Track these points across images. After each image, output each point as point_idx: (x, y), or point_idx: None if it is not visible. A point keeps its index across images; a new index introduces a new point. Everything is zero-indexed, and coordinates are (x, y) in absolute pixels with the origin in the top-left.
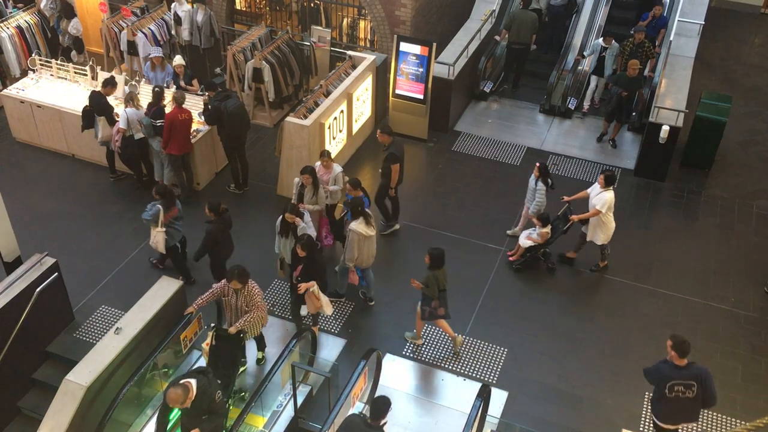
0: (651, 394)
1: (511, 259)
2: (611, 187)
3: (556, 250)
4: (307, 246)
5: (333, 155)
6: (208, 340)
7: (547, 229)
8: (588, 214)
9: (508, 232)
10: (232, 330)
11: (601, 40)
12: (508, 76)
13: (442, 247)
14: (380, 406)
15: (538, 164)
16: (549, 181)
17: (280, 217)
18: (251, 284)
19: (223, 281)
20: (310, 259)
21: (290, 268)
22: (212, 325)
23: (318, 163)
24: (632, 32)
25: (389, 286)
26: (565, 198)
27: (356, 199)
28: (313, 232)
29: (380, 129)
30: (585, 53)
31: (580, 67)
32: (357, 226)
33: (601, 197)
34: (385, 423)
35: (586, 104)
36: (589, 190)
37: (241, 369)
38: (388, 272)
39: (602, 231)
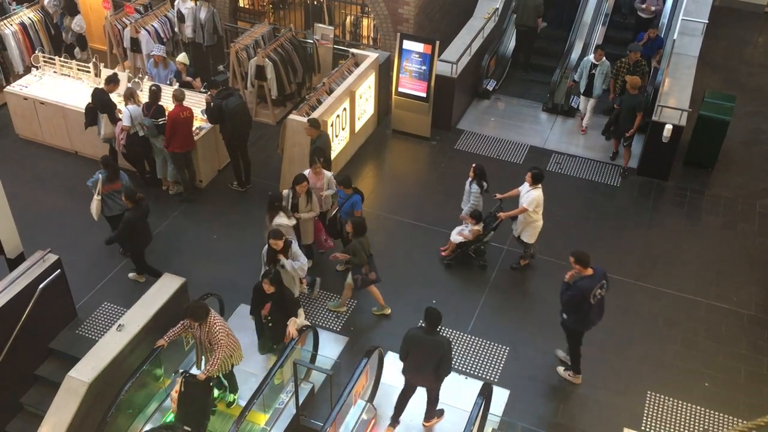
0: (654, 394)
1: (443, 254)
2: (539, 185)
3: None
4: (275, 281)
5: (335, 154)
6: (177, 387)
7: (479, 227)
8: (515, 211)
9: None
10: (201, 377)
11: (591, 56)
12: (517, 59)
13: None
14: (435, 316)
15: (474, 165)
16: (484, 183)
17: (265, 246)
18: (213, 320)
19: None
20: (279, 294)
21: (253, 305)
22: (181, 371)
23: (308, 170)
24: (627, 51)
25: (390, 285)
26: (498, 195)
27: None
28: (304, 260)
29: (307, 122)
30: (575, 77)
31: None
32: (279, 220)
33: (529, 195)
34: (440, 331)
35: (585, 123)
36: (520, 188)
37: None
38: (389, 271)
39: (530, 229)
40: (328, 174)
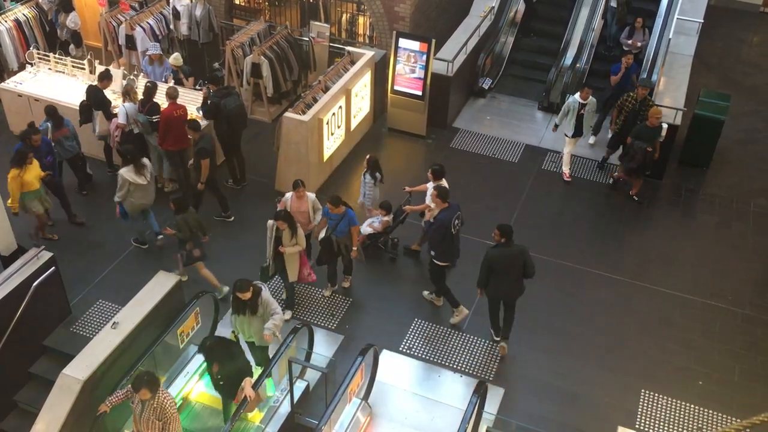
0: (648, 392)
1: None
2: (441, 181)
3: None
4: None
5: (330, 152)
6: None
7: (389, 218)
8: (420, 207)
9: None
10: None
11: (577, 95)
12: (525, 25)
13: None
14: (508, 229)
15: (367, 157)
16: (377, 174)
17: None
18: (162, 395)
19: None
20: (229, 354)
21: (207, 364)
22: None
23: (289, 194)
24: (636, 85)
25: (388, 283)
26: (407, 189)
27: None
28: (279, 313)
29: (188, 125)
30: (556, 121)
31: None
32: (126, 172)
33: (431, 190)
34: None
35: (566, 170)
36: (428, 184)
37: None
38: (387, 269)
39: None
40: (311, 196)
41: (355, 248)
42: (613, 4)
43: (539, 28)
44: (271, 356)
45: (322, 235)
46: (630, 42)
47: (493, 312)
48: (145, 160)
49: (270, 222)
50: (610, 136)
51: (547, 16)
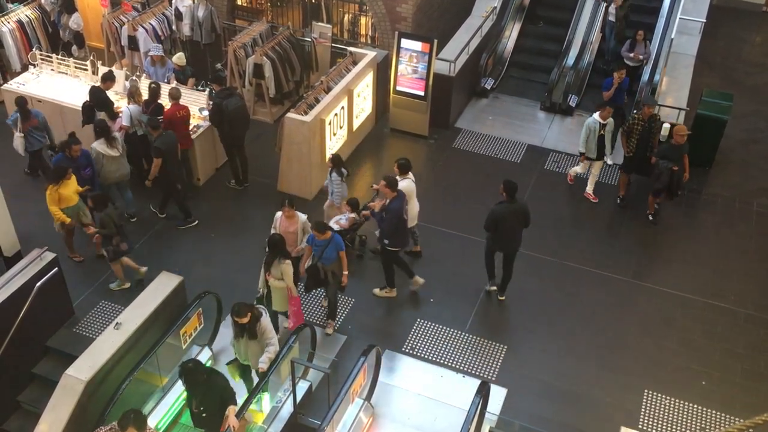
0: (651, 392)
1: None
2: (407, 175)
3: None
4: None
5: (333, 151)
6: None
7: (355, 215)
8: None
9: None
10: None
11: (596, 115)
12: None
13: (441, 244)
14: (513, 186)
15: (330, 155)
16: (343, 170)
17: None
18: None
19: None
20: (208, 383)
21: (187, 395)
22: None
23: (279, 213)
24: (642, 105)
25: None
26: (375, 186)
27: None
28: (275, 343)
29: (147, 123)
30: (580, 149)
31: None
32: (98, 145)
33: (399, 186)
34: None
35: (589, 191)
36: (396, 178)
37: None
38: None
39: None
40: (303, 217)
41: (346, 272)
42: (612, 18)
43: (547, 16)
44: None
45: (308, 263)
46: (632, 55)
47: (489, 260)
48: (116, 134)
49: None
50: (621, 163)
51: (553, 2)
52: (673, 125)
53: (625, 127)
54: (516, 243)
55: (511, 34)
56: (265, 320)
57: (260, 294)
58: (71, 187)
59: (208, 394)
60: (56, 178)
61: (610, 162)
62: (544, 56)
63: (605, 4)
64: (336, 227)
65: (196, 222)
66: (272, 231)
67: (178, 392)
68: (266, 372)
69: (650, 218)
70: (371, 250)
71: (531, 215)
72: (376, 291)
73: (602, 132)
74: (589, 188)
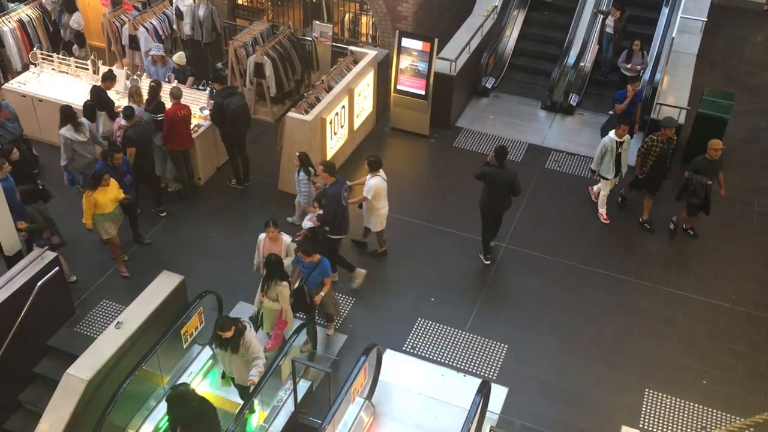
0: (652, 392)
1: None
2: (377, 173)
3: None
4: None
5: (333, 152)
6: None
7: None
8: (357, 200)
9: (288, 219)
10: None
11: (611, 134)
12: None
13: (442, 243)
14: (503, 152)
15: (297, 154)
16: (310, 169)
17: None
18: None
19: None
20: (195, 412)
21: (168, 419)
22: None
23: (263, 235)
24: (661, 126)
25: (389, 282)
26: (348, 183)
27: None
28: (261, 359)
29: (121, 112)
30: (592, 167)
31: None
32: (66, 131)
33: (368, 183)
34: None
35: (603, 211)
36: (367, 177)
37: None
38: (388, 268)
39: (373, 217)
40: (287, 239)
41: (321, 294)
42: (610, 30)
43: (552, 3)
44: (273, 357)
45: (296, 285)
46: (629, 66)
47: (486, 228)
48: (83, 119)
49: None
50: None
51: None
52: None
53: (642, 148)
54: (505, 206)
55: (512, 33)
56: (250, 334)
57: (254, 314)
58: (109, 195)
59: (194, 422)
60: (93, 184)
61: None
62: (545, 56)
63: (602, 16)
64: (309, 224)
65: (165, 213)
66: (256, 254)
67: None
68: (258, 385)
69: (691, 233)
70: (352, 240)
71: (521, 187)
72: (354, 284)
73: (619, 150)
74: (602, 208)
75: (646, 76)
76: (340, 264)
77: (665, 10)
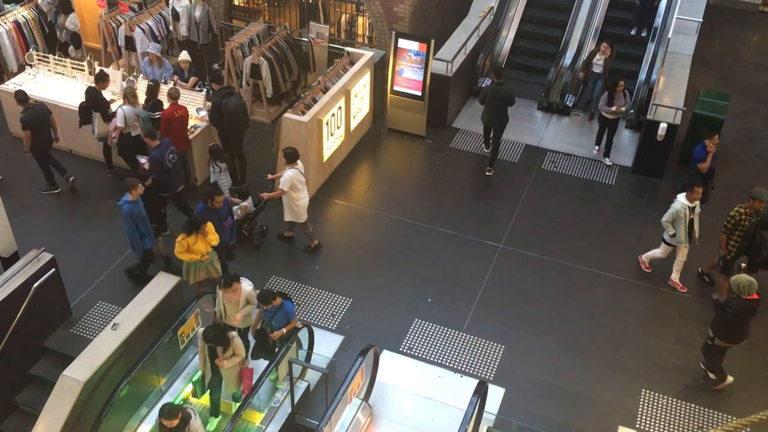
0: (648, 392)
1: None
2: (294, 165)
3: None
4: None
5: (330, 153)
6: None
7: (247, 203)
8: (275, 193)
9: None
10: None
11: (681, 197)
12: None
13: (439, 244)
14: (501, 68)
15: (210, 145)
16: (219, 164)
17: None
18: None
19: None
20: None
21: None
22: None
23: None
24: (749, 197)
25: (387, 283)
26: (269, 176)
27: None
28: None
29: (15, 96)
30: (667, 236)
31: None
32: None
33: (284, 176)
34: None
35: (676, 277)
36: (286, 169)
37: None
38: (386, 269)
39: (290, 209)
40: (247, 289)
41: (283, 330)
42: (598, 70)
43: (543, 17)
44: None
45: (258, 327)
46: (613, 109)
47: (487, 135)
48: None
49: (200, 336)
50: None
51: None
52: (670, 125)
53: (728, 224)
54: (502, 119)
55: (509, 33)
56: (196, 423)
57: (200, 377)
58: (201, 245)
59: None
60: (189, 229)
61: (609, 163)
62: (542, 54)
63: (587, 52)
64: (238, 212)
65: (59, 190)
66: (215, 306)
67: (175, 393)
68: None
69: (706, 279)
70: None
71: (515, 97)
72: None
73: (692, 216)
74: (675, 276)
75: (643, 76)
76: (158, 222)
77: (651, 47)
